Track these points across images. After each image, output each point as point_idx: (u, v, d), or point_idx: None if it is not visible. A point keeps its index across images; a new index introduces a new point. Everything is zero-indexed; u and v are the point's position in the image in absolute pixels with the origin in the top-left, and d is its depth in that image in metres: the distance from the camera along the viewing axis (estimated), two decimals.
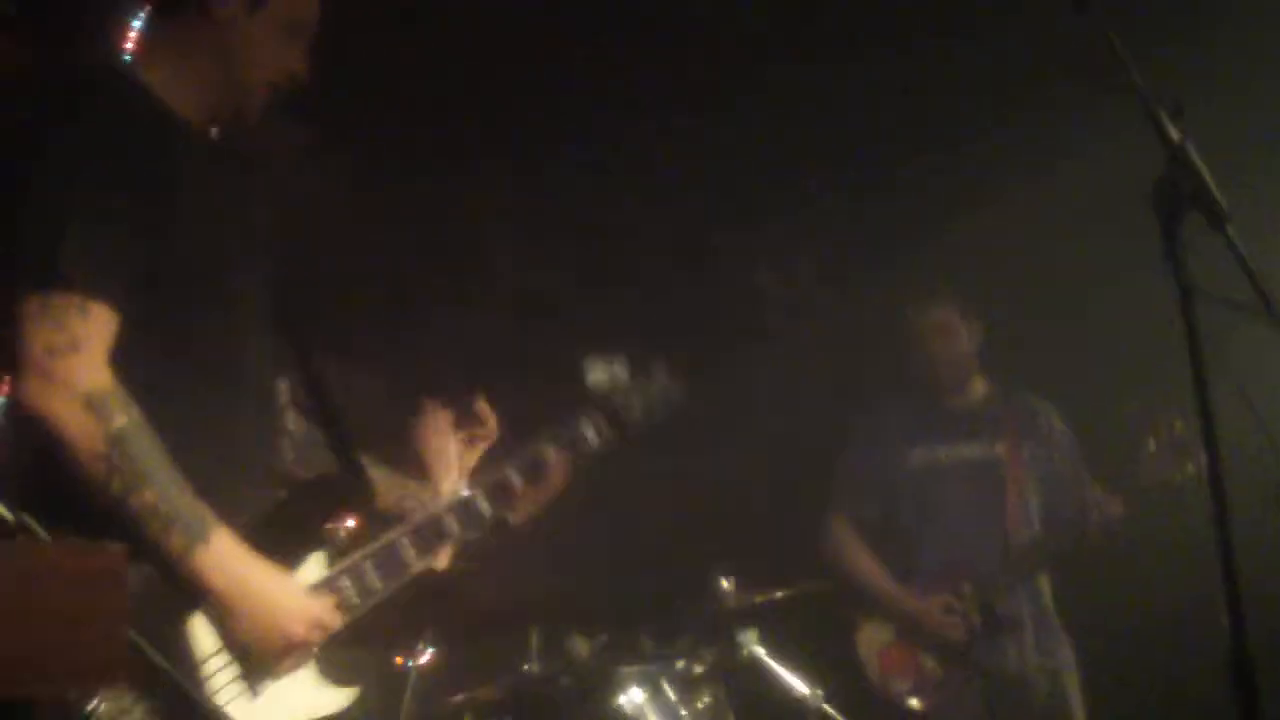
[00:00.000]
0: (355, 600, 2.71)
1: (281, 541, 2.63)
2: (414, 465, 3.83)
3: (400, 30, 4.89)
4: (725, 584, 4.14)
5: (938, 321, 5.26)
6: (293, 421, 2.87)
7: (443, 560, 3.75)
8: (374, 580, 2.75)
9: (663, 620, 4.24)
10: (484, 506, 3.01)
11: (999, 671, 4.90)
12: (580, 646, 4.01)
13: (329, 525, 2.73)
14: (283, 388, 2.87)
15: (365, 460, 3.05)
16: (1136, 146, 2.31)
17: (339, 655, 2.70)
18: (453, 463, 3.86)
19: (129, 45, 2.80)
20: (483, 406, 3.22)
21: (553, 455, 3.17)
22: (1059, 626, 5.08)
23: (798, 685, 4.14)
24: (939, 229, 5.65)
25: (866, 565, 5.21)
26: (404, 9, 4.85)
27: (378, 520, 2.88)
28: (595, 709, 3.86)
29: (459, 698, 3.96)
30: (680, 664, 4.00)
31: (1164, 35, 4.65)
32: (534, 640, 4.07)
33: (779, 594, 4.21)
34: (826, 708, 4.14)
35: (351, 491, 2.82)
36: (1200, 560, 2.19)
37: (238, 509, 2.59)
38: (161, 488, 2.44)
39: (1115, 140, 2.42)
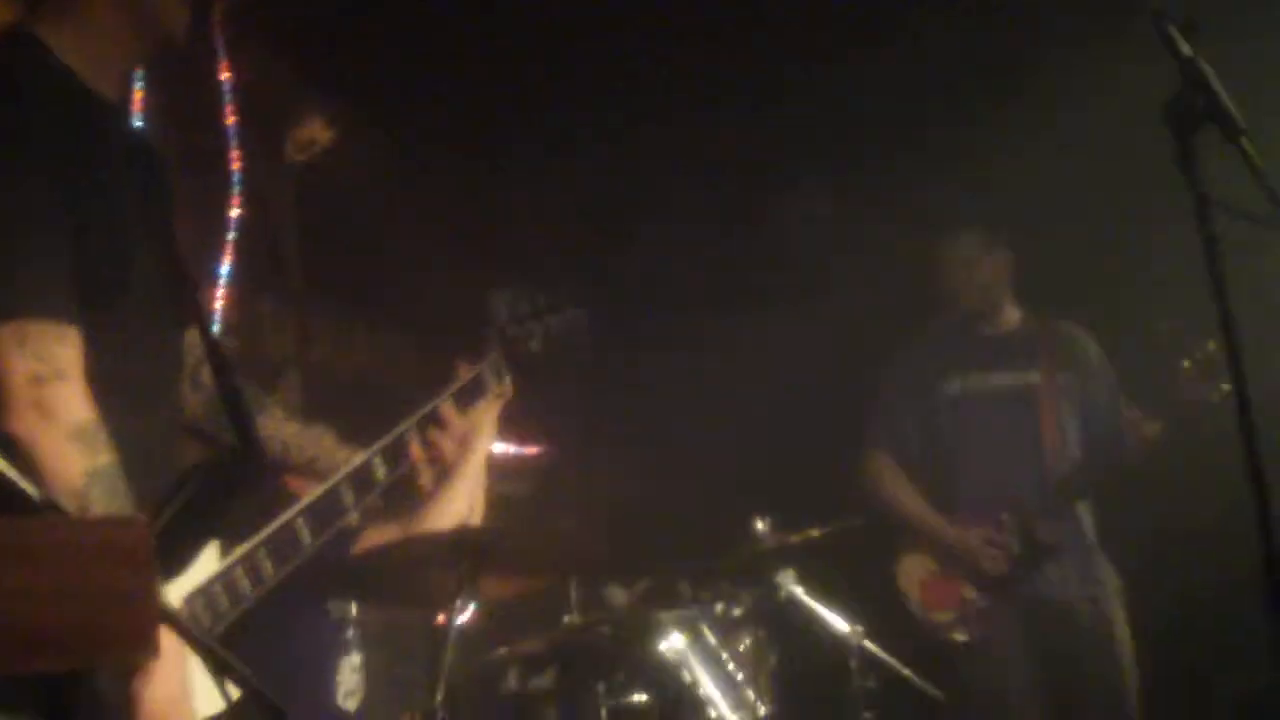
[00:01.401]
0: (248, 590, 2.58)
1: (177, 536, 2.48)
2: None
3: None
4: (761, 525, 4.14)
5: (963, 252, 5.23)
6: (207, 375, 2.72)
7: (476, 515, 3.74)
8: (268, 568, 2.62)
9: (700, 564, 4.24)
10: (379, 471, 2.85)
11: (1042, 600, 4.90)
12: (618, 595, 4.03)
13: (222, 510, 2.56)
14: (193, 342, 2.74)
15: (275, 417, 2.92)
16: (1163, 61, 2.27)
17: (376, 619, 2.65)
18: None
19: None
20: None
21: (448, 408, 2.99)
22: (1101, 553, 5.05)
23: (838, 623, 4.14)
24: (962, 158, 5.59)
25: (906, 496, 5.18)
26: None
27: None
28: (637, 656, 3.88)
29: (502, 651, 3.99)
30: (719, 607, 4.02)
31: None
32: (573, 591, 4.08)
33: (815, 532, 4.21)
34: (867, 644, 4.14)
35: (241, 473, 2.63)
36: (1238, 478, 2.17)
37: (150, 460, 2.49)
38: None
39: (1143, 57, 2.38)
